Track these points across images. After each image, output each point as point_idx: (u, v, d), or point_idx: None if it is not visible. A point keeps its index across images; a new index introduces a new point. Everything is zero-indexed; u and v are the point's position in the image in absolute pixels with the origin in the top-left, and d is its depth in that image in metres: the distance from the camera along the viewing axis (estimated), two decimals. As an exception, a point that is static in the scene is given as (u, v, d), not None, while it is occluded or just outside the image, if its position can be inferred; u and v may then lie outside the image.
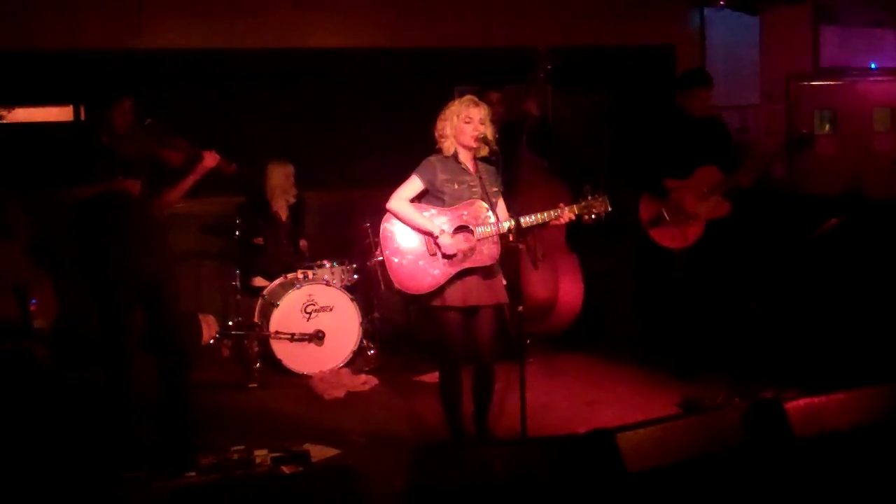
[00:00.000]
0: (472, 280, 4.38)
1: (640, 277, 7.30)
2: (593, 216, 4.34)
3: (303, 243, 6.84)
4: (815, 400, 3.65)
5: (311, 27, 6.63)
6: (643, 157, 5.77)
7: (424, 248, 4.37)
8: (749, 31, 7.35)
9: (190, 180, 4.71)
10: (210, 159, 4.67)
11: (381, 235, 4.48)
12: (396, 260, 4.41)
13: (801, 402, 3.62)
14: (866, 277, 5.56)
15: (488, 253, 4.35)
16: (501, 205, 4.48)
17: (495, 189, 4.43)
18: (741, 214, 5.60)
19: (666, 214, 5.55)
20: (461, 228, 4.37)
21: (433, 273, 4.36)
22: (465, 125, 4.35)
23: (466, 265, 4.35)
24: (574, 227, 4.72)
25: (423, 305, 4.50)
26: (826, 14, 7.62)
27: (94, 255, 4.54)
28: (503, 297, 4.49)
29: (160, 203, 4.69)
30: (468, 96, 4.43)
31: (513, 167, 5.79)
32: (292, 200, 6.77)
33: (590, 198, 4.33)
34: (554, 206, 4.35)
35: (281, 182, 6.66)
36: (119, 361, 4.58)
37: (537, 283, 6.11)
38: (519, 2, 6.89)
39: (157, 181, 4.66)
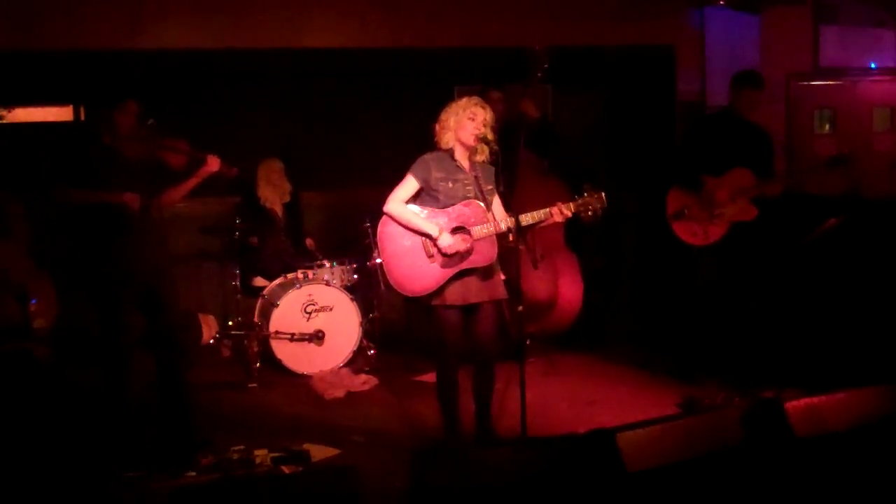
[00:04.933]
0: (471, 279, 4.39)
1: (644, 278, 7.31)
2: (590, 213, 4.34)
3: (309, 242, 6.83)
4: (815, 400, 3.65)
5: (311, 27, 6.62)
6: (681, 150, 5.78)
7: (422, 251, 4.37)
8: (749, 31, 7.35)
9: (191, 183, 4.75)
10: (212, 163, 4.71)
11: (378, 238, 4.48)
12: (394, 262, 4.41)
13: (801, 402, 3.63)
14: (866, 277, 5.55)
15: (486, 253, 4.35)
16: (498, 204, 4.48)
17: (490, 187, 4.43)
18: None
19: (692, 209, 5.53)
20: (458, 229, 4.37)
21: (431, 275, 4.35)
22: (468, 121, 4.35)
23: (464, 266, 4.35)
24: (573, 227, 4.73)
25: (423, 305, 4.50)
26: (826, 14, 7.61)
27: (92, 255, 4.55)
28: (502, 294, 4.50)
29: (160, 204, 4.70)
30: (476, 97, 4.44)
31: (511, 167, 5.79)
32: (287, 198, 6.77)
33: (586, 195, 4.34)
34: (552, 205, 4.35)
35: (269, 177, 6.65)
36: (117, 361, 4.59)
37: (537, 283, 6.11)
38: (519, 2, 6.89)
39: (157, 182, 4.67)
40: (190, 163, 4.72)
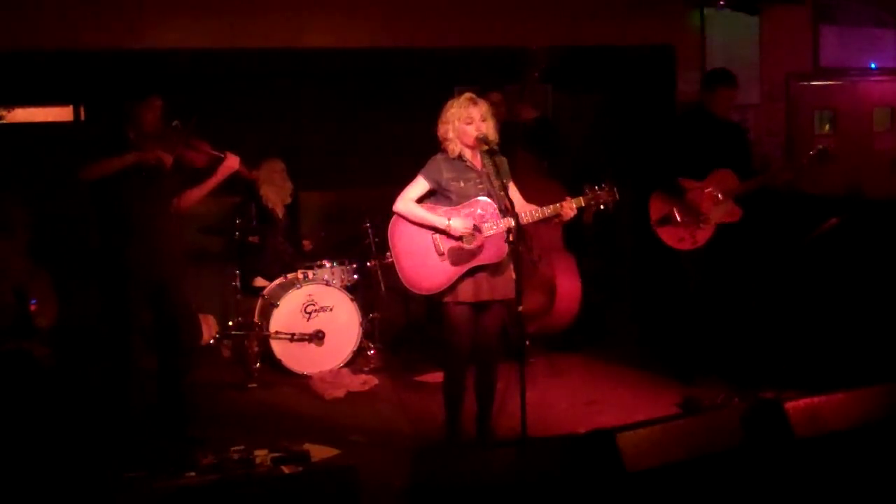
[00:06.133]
0: (483, 276, 4.39)
1: (643, 278, 7.29)
2: (601, 207, 4.35)
3: (306, 243, 6.83)
4: (815, 400, 3.65)
5: (310, 27, 6.62)
6: (660, 154, 5.74)
7: (432, 248, 4.37)
8: (749, 31, 7.35)
9: (212, 182, 4.81)
10: (232, 161, 4.77)
11: (388, 236, 4.49)
12: (405, 260, 4.42)
13: (801, 402, 3.62)
14: (866, 277, 5.55)
15: (496, 250, 4.35)
16: (515, 192, 4.47)
17: (504, 180, 4.39)
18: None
19: (677, 215, 5.50)
20: (470, 226, 4.38)
21: (442, 272, 4.36)
22: (466, 126, 4.34)
23: (474, 263, 4.35)
24: (573, 228, 4.73)
25: (435, 302, 4.50)
26: (826, 14, 7.61)
27: (109, 247, 4.57)
28: (512, 293, 4.48)
29: (180, 203, 4.73)
30: (466, 95, 4.40)
31: (510, 168, 5.78)
32: (289, 199, 6.77)
33: (597, 188, 4.34)
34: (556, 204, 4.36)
35: (271, 177, 6.64)
36: (125, 358, 4.60)
37: (535, 283, 6.11)
38: (519, 2, 6.89)
39: (178, 182, 4.70)
40: (211, 162, 4.77)
